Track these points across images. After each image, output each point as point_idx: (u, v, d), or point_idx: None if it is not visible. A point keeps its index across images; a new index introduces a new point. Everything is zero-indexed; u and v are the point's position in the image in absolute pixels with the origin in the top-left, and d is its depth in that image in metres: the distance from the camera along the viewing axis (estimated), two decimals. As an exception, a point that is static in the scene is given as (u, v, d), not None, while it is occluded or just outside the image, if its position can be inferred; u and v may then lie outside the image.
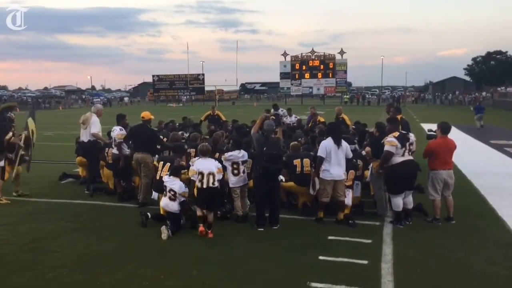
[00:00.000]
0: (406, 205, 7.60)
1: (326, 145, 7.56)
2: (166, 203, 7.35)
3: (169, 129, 12.43)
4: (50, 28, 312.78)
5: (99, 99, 79.03)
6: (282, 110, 15.69)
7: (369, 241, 6.83)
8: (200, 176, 7.16)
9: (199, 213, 7.32)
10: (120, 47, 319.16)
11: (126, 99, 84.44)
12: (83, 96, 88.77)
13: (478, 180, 10.99)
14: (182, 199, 7.36)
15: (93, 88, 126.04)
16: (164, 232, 7.00)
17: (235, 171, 7.87)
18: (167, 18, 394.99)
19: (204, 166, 7.22)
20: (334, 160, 7.49)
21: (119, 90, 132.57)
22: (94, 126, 10.03)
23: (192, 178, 7.33)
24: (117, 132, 9.37)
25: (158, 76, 71.64)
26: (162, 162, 8.28)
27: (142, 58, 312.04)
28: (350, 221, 7.62)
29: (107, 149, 9.90)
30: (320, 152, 7.55)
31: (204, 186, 7.15)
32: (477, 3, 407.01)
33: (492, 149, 16.79)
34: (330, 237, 7.01)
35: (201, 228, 7.18)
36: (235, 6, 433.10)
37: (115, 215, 8.42)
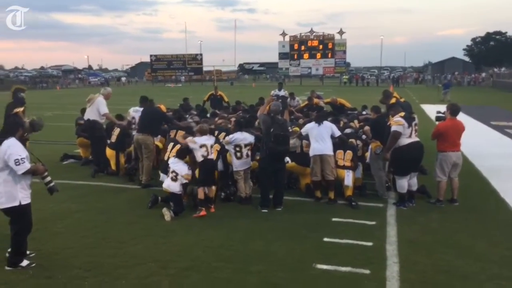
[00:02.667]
0: (410, 187, 7.61)
1: (307, 125, 8.21)
2: (168, 184, 7.35)
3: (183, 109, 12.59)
4: (45, 7, 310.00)
5: (96, 79, 78.63)
6: (284, 91, 15.62)
7: (373, 223, 6.85)
8: (204, 148, 7.48)
9: (201, 195, 7.34)
10: (116, 26, 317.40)
11: (123, 79, 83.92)
12: (80, 76, 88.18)
13: (479, 162, 10.99)
14: (184, 181, 7.35)
15: (90, 67, 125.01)
16: (167, 214, 7.02)
17: (238, 154, 7.85)
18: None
19: (207, 141, 7.61)
20: (314, 136, 7.88)
21: (116, 70, 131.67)
22: (103, 108, 10.01)
23: (190, 145, 7.61)
24: None
25: (156, 56, 70.98)
26: (172, 144, 8.25)
27: (139, 38, 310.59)
28: (353, 203, 7.64)
29: (115, 128, 9.99)
30: (301, 130, 8.31)
31: (209, 156, 7.50)
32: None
33: (493, 130, 16.78)
34: (334, 219, 7.03)
35: (204, 212, 7.22)
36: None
37: (118, 196, 8.43)
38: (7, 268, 5.29)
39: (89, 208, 7.65)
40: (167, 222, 6.91)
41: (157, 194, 7.75)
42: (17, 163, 5.01)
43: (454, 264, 5.42)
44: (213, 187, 7.58)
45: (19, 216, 5.23)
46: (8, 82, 64.90)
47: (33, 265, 5.36)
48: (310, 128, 8.03)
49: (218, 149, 7.81)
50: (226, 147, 7.99)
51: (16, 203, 5.14)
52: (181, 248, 5.90)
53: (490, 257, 5.63)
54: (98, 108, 9.97)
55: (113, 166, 9.91)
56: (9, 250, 5.37)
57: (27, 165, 5.09)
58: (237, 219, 7.10)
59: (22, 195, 5.18)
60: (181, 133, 9.10)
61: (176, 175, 7.30)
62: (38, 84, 66.20)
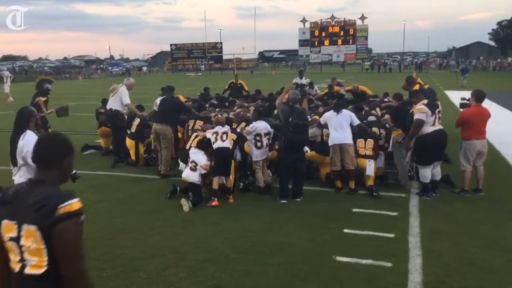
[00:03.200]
0: (433, 176, 7.41)
1: (326, 114, 8.12)
2: (187, 174, 7.31)
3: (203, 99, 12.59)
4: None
5: (118, 69, 79.26)
6: (306, 79, 15.44)
7: (395, 213, 6.68)
8: (214, 135, 7.44)
9: (215, 185, 7.30)
10: (136, 15, 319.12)
11: (144, 68, 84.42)
12: (102, 66, 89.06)
13: (506, 150, 10.68)
14: (203, 171, 7.30)
15: (111, 57, 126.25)
16: (185, 205, 6.98)
17: (258, 144, 7.77)
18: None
19: (219, 129, 7.54)
20: (333, 125, 7.76)
21: (137, 60, 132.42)
22: (126, 98, 10.02)
23: (207, 135, 7.61)
24: None
25: (176, 45, 71.07)
26: (195, 134, 8.22)
27: (159, 27, 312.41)
28: (374, 193, 7.48)
29: (135, 119, 10.04)
30: (320, 119, 8.26)
31: (218, 143, 7.41)
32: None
33: (519, 117, 16.33)
34: (354, 210, 6.89)
35: (216, 202, 7.18)
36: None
37: (137, 186, 8.43)
38: None
39: (108, 199, 7.68)
40: (186, 212, 6.88)
41: (176, 184, 7.73)
42: None
43: (479, 256, 5.25)
44: (231, 177, 7.50)
45: None
46: (32, 72, 65.95)
47: None
48: (328, 117, 7.88)
49: (234, 138, 7.70)
50: (247, 137, 7.91)
51: None
52: (200, 239, 5.86)
53: (518, 249, 5.44)
54: (121, 98, 9.99)
55: (132, 156, 9.94)
56: None
57: None
58: (256, 209, 7.03)
59: None
60: (199, 123, 9.05)
61: (195, 165, 7.27)
62: (61, 74, 67.06)
